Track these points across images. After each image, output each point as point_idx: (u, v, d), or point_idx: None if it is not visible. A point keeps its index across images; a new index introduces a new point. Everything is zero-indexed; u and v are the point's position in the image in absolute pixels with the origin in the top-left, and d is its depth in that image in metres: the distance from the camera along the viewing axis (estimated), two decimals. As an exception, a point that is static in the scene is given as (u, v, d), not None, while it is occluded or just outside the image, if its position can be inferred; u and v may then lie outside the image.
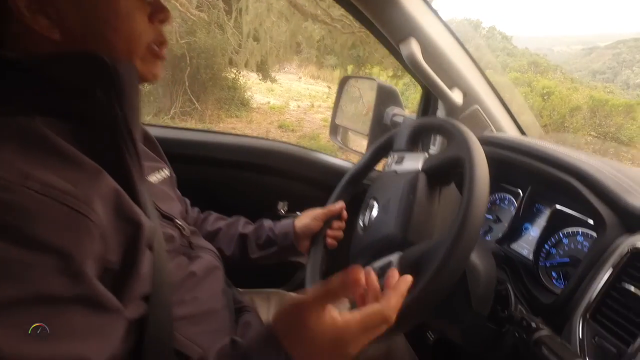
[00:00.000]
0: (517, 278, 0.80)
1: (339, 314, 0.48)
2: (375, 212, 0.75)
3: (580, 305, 0.60)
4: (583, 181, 0.69)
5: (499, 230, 0.95)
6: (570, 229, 0.81)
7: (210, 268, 0.74)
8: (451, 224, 0.57)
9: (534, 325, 0.58)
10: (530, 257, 0.85)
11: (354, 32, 6.11)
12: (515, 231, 0.92)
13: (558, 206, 0.82)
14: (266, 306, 0.95)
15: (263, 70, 7.89)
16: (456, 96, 1.09)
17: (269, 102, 8.52)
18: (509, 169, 0.90)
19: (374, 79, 1.34)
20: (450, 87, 1.08)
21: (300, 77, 12.30)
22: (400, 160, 0.78)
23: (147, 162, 0.72)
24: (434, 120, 0.89)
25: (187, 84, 6.17)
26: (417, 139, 0.80)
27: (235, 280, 0.91)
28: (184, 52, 6.05)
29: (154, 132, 0.80)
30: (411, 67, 1.04)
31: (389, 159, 0.82)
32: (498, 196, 1.01)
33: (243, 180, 1.16)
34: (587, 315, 0.58)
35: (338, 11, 5.74)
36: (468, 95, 1.10)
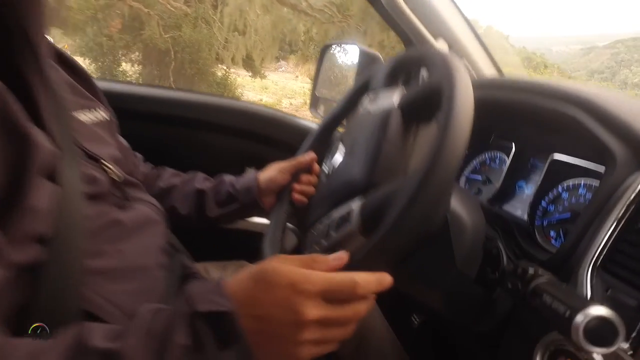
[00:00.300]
0: (509, 238, 0.69)
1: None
2: (340, 157, 0.63)
3: (587, 256, 0.49)
4: (588, 111, 0.58)
5: (489, 191, 0.84)
6: (570, 182, 0.69)
7: (144, 221, 0.63)
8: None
9: (531, 272, 0.46)
10: (525, 217, 0.73)
11: (335, 22, 6.03)
12: (507, 191, 0.80)
13: (556, 156, 0.71)
14: (220, 275, 0.83)
15: (252, 66, 7.77)
16: (441, 47, 0.97)
17: (261, 100, 8.40)
18: (501, 115, 0.79)
19: (356, 44, 1.23)
20: (434, 37, 0.97)
21: (297, 76, 12.18)
22: (374, 99, 0.66)
23: (76, 97, 0.63)
24: (414, 52, 0.78)
25: (172, 79, 6.04)
26: (397, 76, 0.69)
27: (192, 252, 0.80)
28: (169, 46, 5.92)
29: (103, 85, 0.71)
30: (391, 12, 0.93)
31: (364, 100, 0.70)
32: (488, 155, 0.89)
33: (203, 141, 1.05)
34: (597, 265, 0.47)
35: (320, 1, 5.65)
36: (454, 47, 0.99)
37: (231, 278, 0.44)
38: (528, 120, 0.74)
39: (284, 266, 0.42)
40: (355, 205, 0.52)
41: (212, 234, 0.90)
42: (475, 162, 0.91)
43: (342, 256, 0.45)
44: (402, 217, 0.43)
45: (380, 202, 0.49)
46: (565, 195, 0.70)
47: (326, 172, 0.66)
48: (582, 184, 0.67)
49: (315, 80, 1.37)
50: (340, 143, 0.65)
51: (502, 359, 0.57)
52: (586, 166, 0.66)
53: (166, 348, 0.39)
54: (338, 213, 0.54)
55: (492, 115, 0.79)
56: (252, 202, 0.78)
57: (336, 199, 0.57)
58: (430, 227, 0.45)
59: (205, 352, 0.39)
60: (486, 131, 0.86)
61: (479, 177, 0.88)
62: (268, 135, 1.05)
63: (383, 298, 0.92)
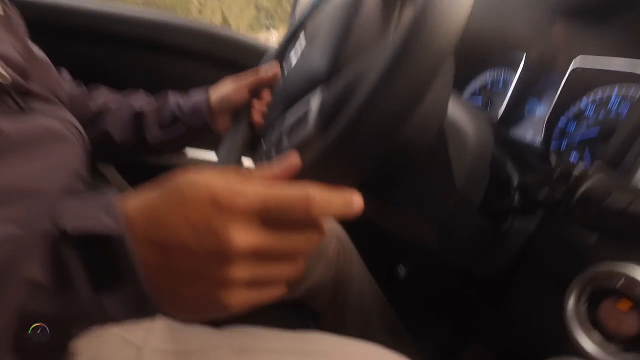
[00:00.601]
0: (520, 164, 0.55)
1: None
2: (300, 49, 0.48)
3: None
4: None
5: (492, 116, 0.69)
6: (598, 92, 0.55)
7: (47, 137, 0.50)
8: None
9: (576, 173, 0.32)
10: (538, 140, 0.59)
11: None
12: (514, 113, 0.66)
13: (581, 60, 0.56)
14: None
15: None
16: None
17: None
18: (504, 16, 0.63)
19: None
20: None
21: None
22: None
23: None
24: None
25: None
26: None
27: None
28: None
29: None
30: None
31: None
32: (490, 77, 0.74)
33: (146, 62, 0.88)
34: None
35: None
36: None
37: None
38: (547, 14, 0.59)
39: (206, 177, 0.28)
40: (314, 102, 0.37)
41: (160, 170, 0.76)
42: (473, 86, 0.76)
43: (291, 159, 0.31)
44: (369, 101, 0.29)
45: (343, 91, 0.34)
46: (589, 111, 0.56)
47: (284, 73, 0.51)
48: (613, 95, 0.53)
49: (292, 11, 1.22)
50: (302, 34, 0.49)
51: (514, 309, 0.44)
52: (624, 69, 0.52)
53: (6, 286, 0.24)
54: (294, 115, 0.39)
55: (492, 20, 0.64)
56: (201, 125, 0.63)
57: (293, 96, 0.42)
58: (406, 126, 0.32)
59: (74, 293, 0.25)
60: (485, 43, 0.71)
61: (479, 102, 0.74)
62: (222, 56, 0.89)
63: (362, 242, 0.80)
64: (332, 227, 0.73)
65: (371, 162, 0.32)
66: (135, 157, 0.70)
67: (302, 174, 0.31)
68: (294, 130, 0.39)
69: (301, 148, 0.37)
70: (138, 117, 0.66)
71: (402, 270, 0.84)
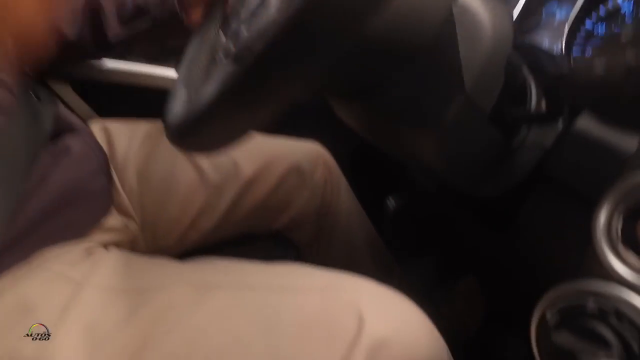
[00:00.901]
0: (537, 70, 0.47)
1: None
2: None
3: None
4: None
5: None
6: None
7: None
8: None
9: None
10: (558, 46, 0.51)
11: None
12: (529, 19, 0.57)
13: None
14: (127, 136, 0.58)
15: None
16: None
17: None
18: None
19: None
20: None
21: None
22: None
23: None
24: None
25: None
26: None
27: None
28: None
29: None
30: None
31: None
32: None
33: None
34: None
35: None
36: None
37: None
38: None
39: None
40: None
41: (122, 90, 0.67)
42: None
43: None
44: None
45: None
46: (628, 7, 0.47)
47: None
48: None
49: None
50: None
51: (524, 233, 0.38)
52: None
53: None
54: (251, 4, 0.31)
55: None
56: (170, 15, 0.55)
57: None
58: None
59: None
60: None
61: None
62: None
63: (350, 172, 0.73)
64: (319, 152, 0.66)
65: (339, 52, 0.25)
66: (93, 57, 0.63)
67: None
68: (255, 15, 0.31)
69: (261, 36, 0.29)
70: (94, 10, 0.56)
71: (391, 203, 0.78)
